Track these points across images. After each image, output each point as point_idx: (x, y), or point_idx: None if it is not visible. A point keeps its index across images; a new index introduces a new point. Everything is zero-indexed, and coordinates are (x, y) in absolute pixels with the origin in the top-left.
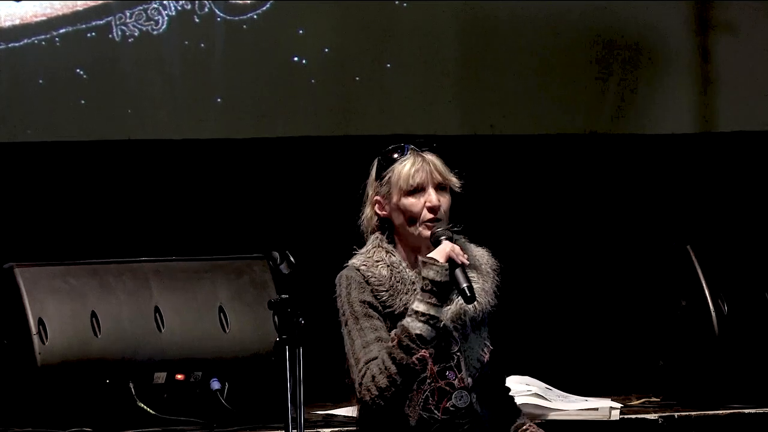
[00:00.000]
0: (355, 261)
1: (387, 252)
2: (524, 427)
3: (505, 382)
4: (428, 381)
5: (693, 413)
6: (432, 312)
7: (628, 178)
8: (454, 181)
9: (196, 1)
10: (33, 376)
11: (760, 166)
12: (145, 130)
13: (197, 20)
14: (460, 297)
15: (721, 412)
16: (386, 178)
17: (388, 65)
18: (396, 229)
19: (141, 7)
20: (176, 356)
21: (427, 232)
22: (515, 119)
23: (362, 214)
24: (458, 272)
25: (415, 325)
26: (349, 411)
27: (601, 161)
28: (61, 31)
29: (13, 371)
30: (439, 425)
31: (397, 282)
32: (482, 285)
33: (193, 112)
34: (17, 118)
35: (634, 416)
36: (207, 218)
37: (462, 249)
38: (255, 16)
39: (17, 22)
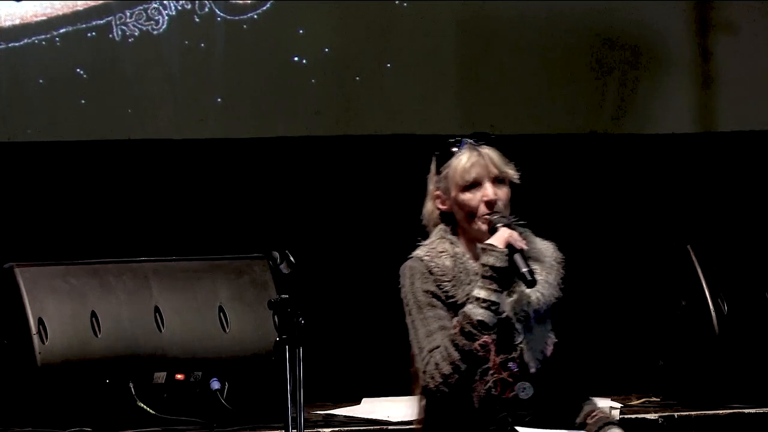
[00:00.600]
0: (419, 252)
1: (451, 243)
2: (593, 413)
3: (572, 375)
4: (491, 372)
5: (693, 413)
6: (493, 298)
7: (628, 178)
8: (512, 174)
9: (196, 1)
10: (33, 376)
11: (760, 166)
12: (145, 130)
13: (197, 20)
14: (522, 284)
15: (721, 412)
16: (444, 173)
17: (388, 65)
18: (458, 222)
19: (141, 7)
20: (176, 356)
21: (486, 227)
22: (515, 119)
23: (424, 209)
24: (517, 257)
25: (476, 312)
26: (350, 411)
27: (601, 161)
28: (61, 30)
29: (13, 371)
30: (501, 416)
31: (460, 272)
32: (546, 277)
33: (193, 112)
34: (17, 118)
35: (634, 416)
36: (207, 218)
37: (524, 240)
38: (255, 16)
39: (17, 22)
